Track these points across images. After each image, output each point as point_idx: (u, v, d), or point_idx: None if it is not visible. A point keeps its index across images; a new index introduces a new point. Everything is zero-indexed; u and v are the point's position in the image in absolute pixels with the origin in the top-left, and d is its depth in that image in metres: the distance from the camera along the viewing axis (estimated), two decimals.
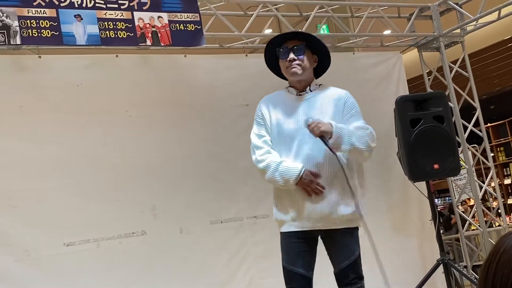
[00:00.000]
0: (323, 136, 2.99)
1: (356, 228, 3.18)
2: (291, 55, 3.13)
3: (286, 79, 3.29)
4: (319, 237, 3.20)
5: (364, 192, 3.21)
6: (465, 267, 5.36)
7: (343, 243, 3.12)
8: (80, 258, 3.93)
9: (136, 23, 3.97)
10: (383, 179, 5.14)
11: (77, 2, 3.80)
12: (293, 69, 3.15)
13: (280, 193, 3.18)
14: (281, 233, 3.19)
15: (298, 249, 3.13)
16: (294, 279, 3.13)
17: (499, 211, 5.63)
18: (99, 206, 4.05)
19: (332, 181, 3.07)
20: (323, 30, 5.53)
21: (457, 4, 5.35)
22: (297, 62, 3.14)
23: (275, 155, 3.12)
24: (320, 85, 3.26)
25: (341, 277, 3.13)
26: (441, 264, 4.52)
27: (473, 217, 6.57)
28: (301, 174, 3.01)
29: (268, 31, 5.31)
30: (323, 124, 2.99)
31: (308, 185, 3.02)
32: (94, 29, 3.83)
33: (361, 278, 3.15)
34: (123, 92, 4.28)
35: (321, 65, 3.30)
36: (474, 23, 5.33)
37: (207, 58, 4.63)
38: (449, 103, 4.82)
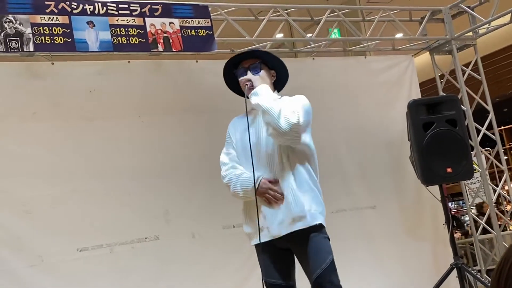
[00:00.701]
0: (247, 84, 3.07)
1: (319, 229, 3.02)
2: (249, 74, 3.15)
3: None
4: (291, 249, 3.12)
5: (318, 190, 3.10)
6: (479, 271, 5.32)
7: (311, 250, 3.00)
8: (93, 263, 3.95)
9: (148, 29, 4.00)
10: (396, 182, 5.13)
11: (89, 8, 3.83)
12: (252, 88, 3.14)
13: (245, 206, 3.17)
14: (254, 246, 3.17)
15: (270, 261, 3.11)
16: None
17: None
18: (111, 211, 4.07)
19: (287, 187, 3.01)
20: (334, 34, 5.54)
21: (469, 7, 5.33)
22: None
23: (239, 169, 3.13)
24: (281, 97, 3.21)
25: None
26: (455, 268, 4.49)
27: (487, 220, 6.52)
28: (259, 182, 3.01)
29: (279, 35, 5.31)
30: (256, 79, 3.08)
31: (267, 192, 3.01)
32: (106, 35, 3.86)
33: (337, 286, 3.01)
34: (135, 98, 4.30)
35: (280, 78, 3.29)
36: (486, 26, 5.30)
37: (218, 63, 4.62)
38: (461, 106, 4.79)
